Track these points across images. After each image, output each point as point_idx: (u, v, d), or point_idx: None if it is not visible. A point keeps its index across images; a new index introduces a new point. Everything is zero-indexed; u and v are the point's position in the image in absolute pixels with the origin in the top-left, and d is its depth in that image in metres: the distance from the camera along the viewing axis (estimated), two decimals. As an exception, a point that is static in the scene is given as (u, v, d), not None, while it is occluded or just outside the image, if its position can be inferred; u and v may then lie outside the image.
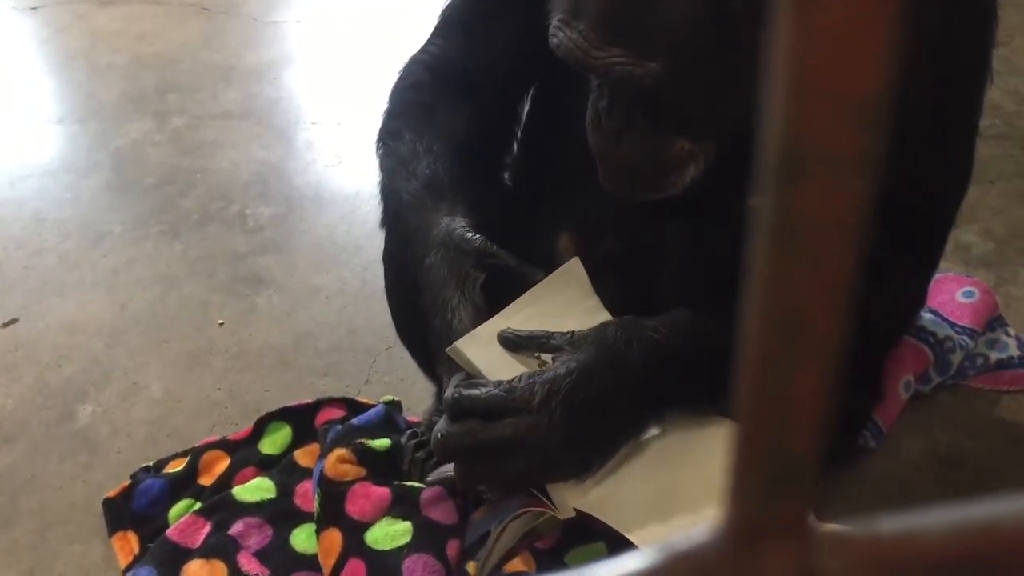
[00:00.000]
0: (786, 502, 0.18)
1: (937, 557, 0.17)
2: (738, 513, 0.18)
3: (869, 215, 0.16)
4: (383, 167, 1.14)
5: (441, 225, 1.03)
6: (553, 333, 0.99)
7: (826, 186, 0.16)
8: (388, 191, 1.11)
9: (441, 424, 0.94)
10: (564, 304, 1.05)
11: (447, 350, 0.98)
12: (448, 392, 0.95)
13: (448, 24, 1.18)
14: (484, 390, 0.93)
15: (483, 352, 0.99)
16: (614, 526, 0.99)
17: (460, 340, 0.98)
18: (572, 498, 0.99)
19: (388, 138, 1.15)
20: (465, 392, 0.93)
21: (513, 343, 1.00)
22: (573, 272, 1.08)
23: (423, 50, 1.20)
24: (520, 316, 1.02)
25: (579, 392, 0.92)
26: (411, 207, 1.07)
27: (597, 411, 0.94)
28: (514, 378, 0.94)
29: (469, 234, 1.02)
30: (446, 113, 1.14)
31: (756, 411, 0.17)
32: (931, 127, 0.98)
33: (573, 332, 0.98)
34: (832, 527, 0.17)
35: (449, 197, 1.06)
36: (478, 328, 1.00)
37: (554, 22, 0.91)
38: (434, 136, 1.11)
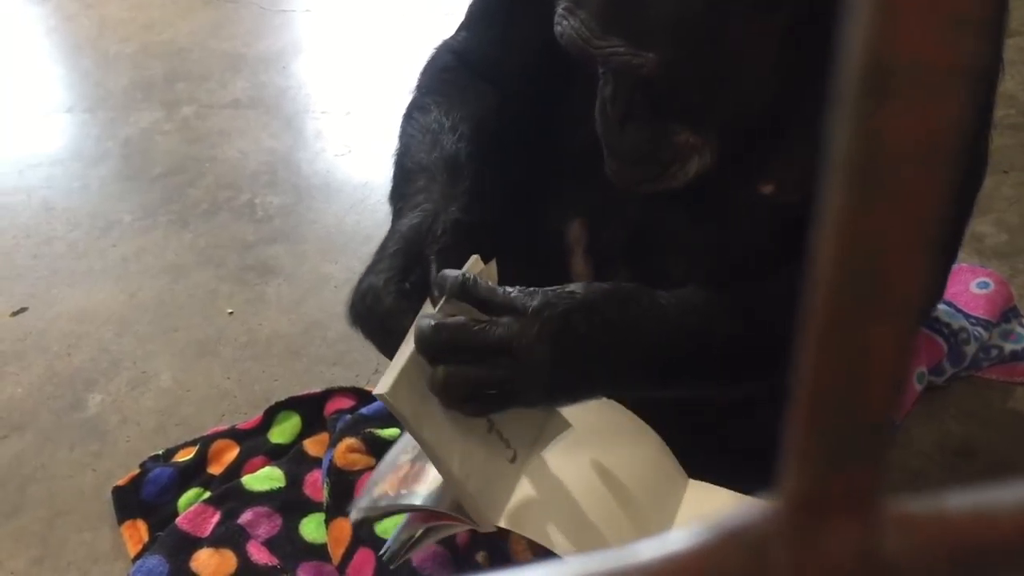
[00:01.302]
0: (853, 474, 0.16)
1: (1012, 537, 0.15)
2: (797, 486, 0.16)
3: (962, 144, 0.14)
4: (403, 136, 1.12)
5: (449, 211, 1.00)
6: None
7: (918, 106, 0.14)
8: (404, 157, 1.10)
9: (431, 312, 0.87)
10: None
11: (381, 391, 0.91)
12: (450, 280, 0.89)
13: (472, 18, 1.19)
14: (484, 287, 0.89)
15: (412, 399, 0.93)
16: (538, 541, 0.96)
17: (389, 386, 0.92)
18: (493, 514, 0.95)
19: (416, 112, 1.14)
20: (469, 285, 0.88)
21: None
22: None
23: (451, 39, 1.21)
24: None
25: (575, 316, 0.88)
26: (424, 171, 1.05)
27: (589, 342, 0.88)
28: (517, 288, 0.90)
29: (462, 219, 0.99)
30: (474, 96, 1.13)
31: (823, 369, 0.16)
32: None
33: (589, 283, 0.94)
34: (899, 504, 0.16)
35: (464, 176, 1.04)
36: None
37: (558, 11, 0.91)
38: (461, 116, 1.10)
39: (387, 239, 0.99)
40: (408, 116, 1.15)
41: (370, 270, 0.97)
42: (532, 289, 0.89)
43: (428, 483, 0.97)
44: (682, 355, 0.95)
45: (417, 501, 0.96)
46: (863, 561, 0.15)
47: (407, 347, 0.90)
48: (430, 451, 0.90)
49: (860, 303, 0.16)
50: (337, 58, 2.38)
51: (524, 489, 0.96)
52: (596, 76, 0.97)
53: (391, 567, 1.02)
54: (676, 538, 0.16)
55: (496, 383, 0.87)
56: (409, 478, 0.99)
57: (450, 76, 1.17)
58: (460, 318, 0.86)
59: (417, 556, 1.16)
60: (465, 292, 0.87)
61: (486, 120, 1.12)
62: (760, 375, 0.93)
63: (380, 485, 1.02)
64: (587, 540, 0.96)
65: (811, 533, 0.16)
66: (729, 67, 0.90)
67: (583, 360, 0.89)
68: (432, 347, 0.85)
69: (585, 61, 0.92)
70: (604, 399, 1.01)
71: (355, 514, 1.02)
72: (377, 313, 0.94)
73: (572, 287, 0.91)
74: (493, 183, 1.07)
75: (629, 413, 1.05)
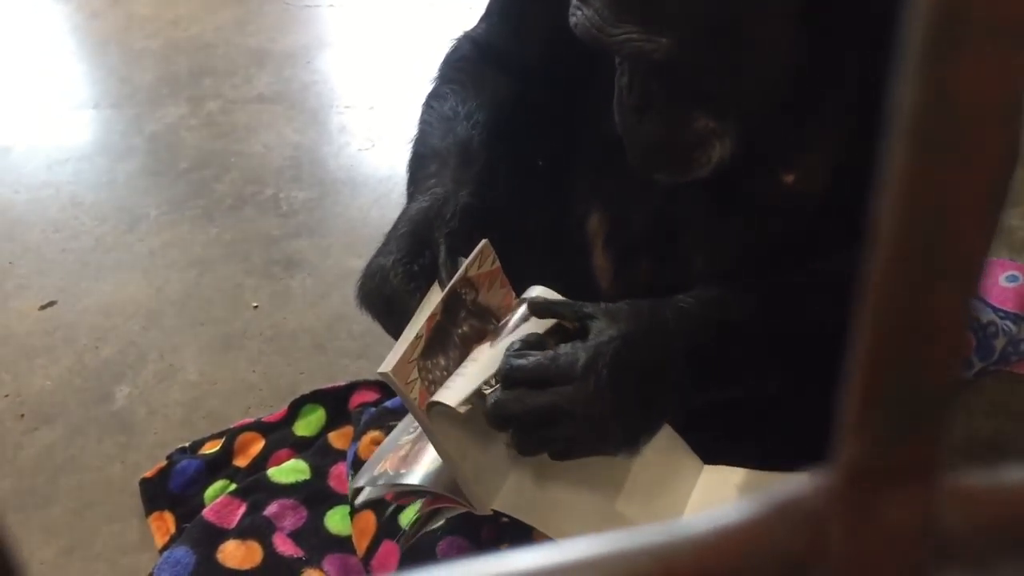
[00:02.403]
0: (915, 443, 0.15)
1: None
2: (854, 457, 0.16)
3: None
4: (420, 124, 1.14)
5: (460, 194, 1.01)
6: (583, 303, 0.95)
7: (989, 62, 0.13)
8: (419, 144, 1.11)
9: (494, 392, 0.90)
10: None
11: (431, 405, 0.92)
12: (501, 362, 0.91)
13: (490, 9, 1.20)
14: (531, 358, 0.90)
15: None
16: (533, 525, 0.97)
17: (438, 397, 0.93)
18: (488, 498, 0.94)
19: (433, 100, 1.15)
20: (515, 362, 0.90)
21: (543, 308, 0.96)
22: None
23: (471, 30, 1.22)
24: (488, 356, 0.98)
25: (622, 358, 0.89)
26: (436, 157, 1.06)
27: (641, 378, 0.90)
28: (559, 346, 0.91)
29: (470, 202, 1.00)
30: (490, 85, 1.14)
31: (885, 332, 0.15)
32: None
33: (603, 303, 0.95)
34: (957, 477, 0.16)
35: (476, 161, 1.05)
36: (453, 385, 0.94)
37: (572, 2, 0.91)
38: (476, 104, 1.11)
39: (397, 222, 1.01)
40: (426, 105, 1.16)
41: (379, 252, 0.98)
42: (567, 349, 0.90)
43: (426, 464, 0.98)
44: (719, 347, 0.95)
45: (414, 480, 0.97)
46: (922, 534, 0.15)
47: (412, 327, 0.92)
48: (430, 431, 0.92)
49: (925, 260, 0.15)
50: (361, 53, 2.38)
51: (521, 473, 0.97)
52: (614, 67, 0.97)
53: (402, 547, 1.04)
54: (728, 512, 0.16)
55: (567, 442, 0.90)
56: (408, 458, 1.00)
57: (467, 66, 1.18)
58: (517, 393, 0.89)
59: (441, 548, 1.17)
60: (513, 379, 0.89)
61: (502, 108, 1.12)
62: (808, 361, 0.94)
63: (381, 463, 1.03)
64: (583, 525, 0.96)
65: (868, 505, 0.16)
66: (743, 51, 0.90)
67: (645, 395, 0.91)
68: (498, 423, 0.89)
69: (600, 50, 0.92)
70: None
71: (353, 483, 1.04)
72: (384, 294, 0.95)
73: (599, 329, 0.91)
74: (507, 169, 1.08)
75: None
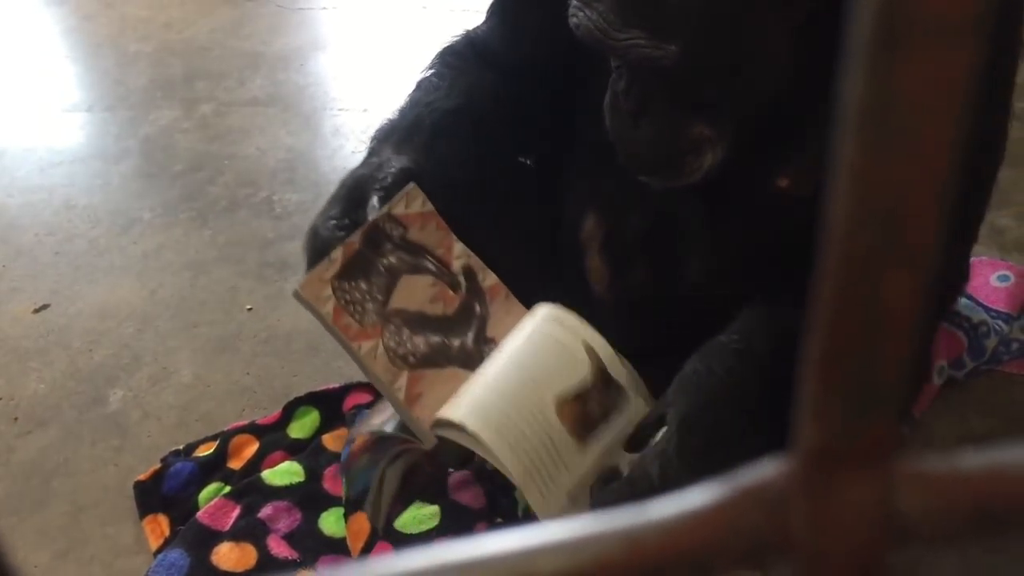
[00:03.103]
0: (870, 428, 0.16)
1: None
2: (812, 440, 0.16)
3: (973, 96, 0.14)
4: (393, 111, 1.17)
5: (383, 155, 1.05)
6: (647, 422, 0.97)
7: (932, 57, 0.14)
8: (379, 128, 1.15)
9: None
10: (551, 346, 1.02)
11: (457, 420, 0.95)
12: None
13: (490, 13, 1.21)
14: (612, 495, 0.92)
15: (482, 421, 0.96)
16: (475, 444, 0.97)
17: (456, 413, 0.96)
18: (430, 426, 0.96)
19: (413, 90, 1.18)
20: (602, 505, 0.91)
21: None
22: (545, 315, 1.05)
23: (472, 29, 1.23)
24: (499, 368, 1.00)
25: (686, 440, 0.90)
26: (387, 138, 1.10)
27: (710, 445, 0.91)
28: (630, 469, 0.93)
29: (393, 167, 1.02)
30: (471, 79, 1.15)
31: (838, 320, 0.15)
32: None
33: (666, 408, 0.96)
34: (914, 460, 0.16)
35: (422, 133, 1.08)
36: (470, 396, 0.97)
37: (573, 3, 0.90)
38: (445, 94, 1.13)
39: (336, 189, 1.05)
40: (408, 94, 1.19)
41: (318, 215, 1.04)
42: (639, 461, 0.91)
43: (382, 415, 1.01)
44: (767, 381, 0.95)
45: (366, 429, 1.00)
46: (879, 516, 0.15)
47: (329, 258, 0.95)
48: (354, 354, 0.95)
49: (875, 251, 0.15)
50: (355, 55, 2.38)
51: (459, 395, 0.98)
52: (610, 71, 0.97)
53: (379, 527, 1.05)
54: (692, 496, 0.16)
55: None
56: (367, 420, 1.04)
57: (455, 60, 1.19)
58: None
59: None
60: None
61: (477, 99, 1.13)
62: None
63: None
64: (493, 416, 0.96)
65: (827, 488, 0.16)
66: (747, 59, 0.90)
67: (721, 461, 0.92)
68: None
69: (602, 54, 0.92)
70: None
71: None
72: (315, 246, 1.01)
73: (662, 432, 0.92)
74: (461, 147, 1.09)
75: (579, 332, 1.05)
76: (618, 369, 0.99)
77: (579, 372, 0.98)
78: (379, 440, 1.00)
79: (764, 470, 0.16)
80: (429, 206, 1.02)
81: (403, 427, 0.97)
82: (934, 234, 0.15)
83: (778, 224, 1.04)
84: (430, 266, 1.02)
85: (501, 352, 1.02)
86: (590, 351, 1.00)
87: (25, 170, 2.02)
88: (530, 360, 1.00)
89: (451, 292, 1.04)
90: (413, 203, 1.00)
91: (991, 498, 0.15)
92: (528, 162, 1.24)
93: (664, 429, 0.93)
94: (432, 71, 1.19)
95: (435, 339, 1.02)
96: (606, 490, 0.92)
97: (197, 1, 2.61)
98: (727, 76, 0.90)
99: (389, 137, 1.11)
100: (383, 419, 1.01)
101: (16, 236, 1.84)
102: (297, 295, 0.92)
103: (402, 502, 1.08)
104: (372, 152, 1.10)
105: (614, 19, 0.87)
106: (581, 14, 0.89)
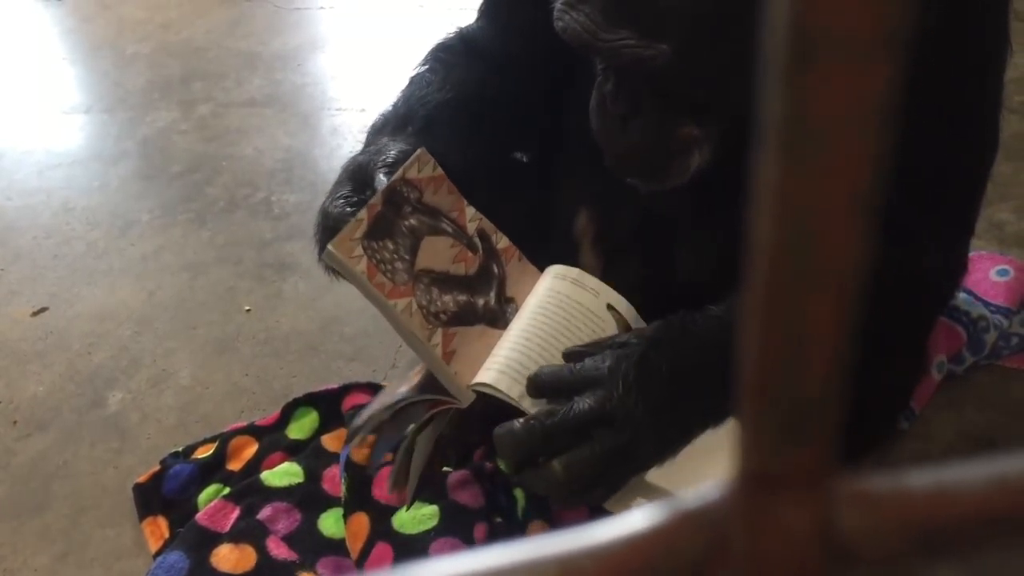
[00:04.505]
0: (802, 451, 0.16)
1: (974, 515, 0.15)
2: (749, 465, 0.16)
3: (893, 113, 0.14)
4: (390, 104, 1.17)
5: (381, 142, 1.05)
6: (615, 335, 0.95)
7: (843, 76, 0.14)
8: (374, 127, 1.14)
9: (505, 425, 0.88)
10: (574, 308, 1.01)
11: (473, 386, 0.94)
12: (532, 383, 0.91)
13: (481, 11, 1.21)
14: (549, 370, 0.89)
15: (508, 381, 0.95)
16: (509, 399, 0.95)
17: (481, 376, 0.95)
18: (469, 379, 0.95)
19: (406, 86, 1.18)
20: (543, 373, 0.89)
21: (576, 354, 0.95)
22: (563, 276, 1.04)
23: (465, 26, 1.23)
24: (520, 331, 0.99)
25: (651, 357, 0.87)
26: (380, 132, 1.10)
27: (670, 380, 0.88)
28: (584, 359, 0.91)
29: (393, 150, 1.02)
30: (461, 74, 1.15)
31: (764, 346, 0.15)
32: (951, 92, 0.95)
33: (631, 331, 0.95)
34: (855, 480, 0.16)
35: (414, 122, 1.08)
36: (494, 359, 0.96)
37: (558, 4, 0.89)
38: (437, 88, 1.13)
39: (337, 178, 1.05)
40: (401, 90, 1.19)
41: (325, 200, 1.02)
42: (593, 355, 0.89)
43: (409, 384, 1.00)
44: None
45: (400, 394, 0.99)
46: (818, 539, 0.15)
47: (356, 218, 0.94)
48: (388, 311, 0.94)
49: (796, 273, 0.15)
50: (352, 55, 2.38)
51: (496, 352, 0.98)
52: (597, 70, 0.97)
53: (409, 496, 1.03)
54: (631, 520, 0.16)
55: (609, 455, 0.86)
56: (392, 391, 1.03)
57: (446, 55, 1.19)
58: (547, 408, 0.87)
59: (434, 548, 1.17)
60: (537, 388, 0.88)
61: (467, 93, 1.13)
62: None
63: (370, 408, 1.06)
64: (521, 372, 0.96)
65: (766, 511, 0.16)
66: (738, 58, 0.89)
67: (676, 395, 0.89)
68: (530, 448, 0.86)
69: (588, 55, 0.91)
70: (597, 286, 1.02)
71: (352, 429, 1.06)
72: (327, 225, 0.99)
73: (626, 338, 0.91)
74: (454, 139, 1.09)
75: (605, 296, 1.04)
76: (642, 327, 0.99)
77: (606, 333, 0.98)
78: (403, 409, 0.99)
79: (706, 494, 0.16)
80: (439, 170, 1.01)
81: (439, 390, 0.96)
82: (854, 258, 0.15)
83: None
84: (448, 228, 1.02)
85: (524, 314, 1.02)
86: (613, 311, 1.00)
87: (23, 172, 2.03)
88: (555, 322, 0.99)
89: (470, 253, 1.04)
90: (424, 167, 1.00)
91: (934, 518, 0.15)
92: (522, 157, 1.24)
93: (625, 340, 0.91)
94: (425, 66, 1.19)
95: (462, 298, 1.02)
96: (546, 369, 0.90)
97: (194, 2, 2.61)
98: (718, 76, 0.89)
99: (382, 129, 1.11)
100: (404, 390, 1.00)
101: (14, 239, 1.84)
102: (329, 254, 0.91)
103: (431, 472, 1.07)
104: (368, 144, 1.10)
105: (602, 20, 0.85)
106: (568, 17, 0.87)
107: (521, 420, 0.87)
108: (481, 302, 1.03)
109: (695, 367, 0.90)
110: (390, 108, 1.15)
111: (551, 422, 0.86)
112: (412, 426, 0.99)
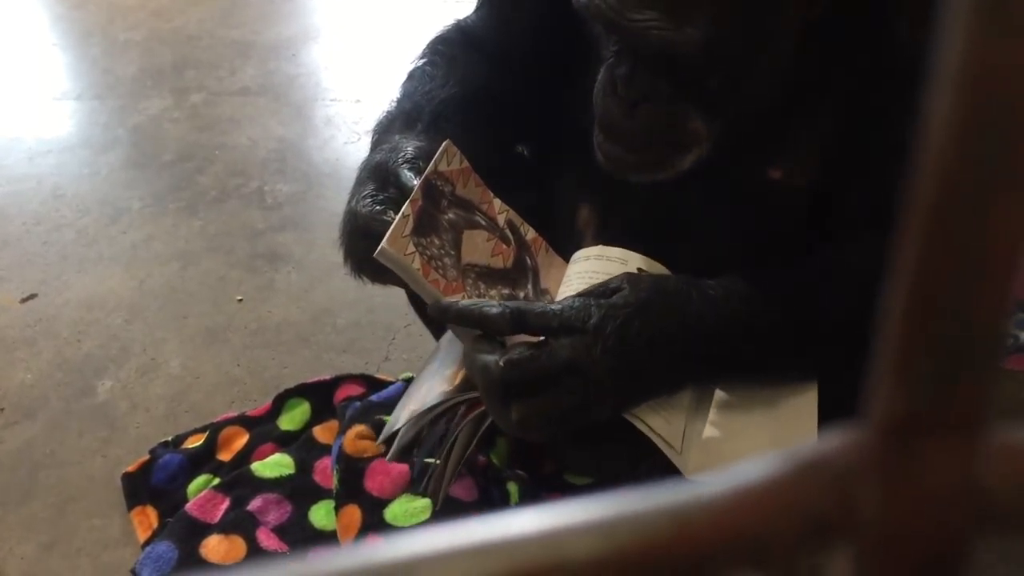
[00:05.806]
0: (959, 393, 0.13)
1: None
2: (891, 407, 0.14)
3: None
4: (391, 102, 1.15)
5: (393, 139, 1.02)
6: (610, 279, 0.94)
7: None
8: (379, 126, 1.12)
9: (492, 355, 0.87)
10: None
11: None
12: (502, 317, 0.89)
13: (480, 2, 1.19)
14: (539, 308, 0.88)
15: None
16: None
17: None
18: None
19: (406, 80, 1.16)
20: (523, 308, 0.88)
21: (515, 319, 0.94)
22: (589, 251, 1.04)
23: (463, 18, 1.21)
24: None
25: (635, 323, 0.87)
26: (387, 131, 1.07)
27: (650, 348, 0.88)
28: (567, 299, 0.90)
29: (410, 146, 1.00)
30: (462, 68, 1.14)
31: (931, 261, 0.13)
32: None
33: (628, 274, 0.93)
34: (1007, 432, 0.14)
35: (422, 119, 1.06)
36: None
37: None
38: (440, 84, 1.11)
39: (356, 176, 1.02)
40: (401, 84, 1.17)
41: (346, 204, 0.99)
42: (580, 303, 0.88)
43: (450, 383, 0.98)
44: (738, 343, 0.93)
45: (441, 393, 0.97)
46: (963, 495, 0.14)
47: (402, 214, 0.92)
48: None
49: (982, 170, 0.13)
50: (347, 45, 2.36)
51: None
52: (605, 56, 0.95)
53: (440, 499, 1.01)
54: (749, 470, 0.14)
55: (568, 407, 0.87)
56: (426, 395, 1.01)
57: (447, 48, 1.17)
58: (524, 350, 0.86)
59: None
60: (519, 325, 0.87)
61: (469, 88, 1.11)
62: (829, 354, 0.93)
63: (405, 408, 1.03)
64: None
65: (905, 462, 0.14)
66: (760, 49, 0.88)
67: (647, 366, 0.89)
68: (504, 386, 0.85)
69: (611, 34, 0.90)
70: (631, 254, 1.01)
71: (386, 430, 1.03)
72: (356, 225, 0.95)
73: (618, 284, 0.90)
74: (460, 135, 1.07)
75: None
76: (646, 275, 0.98)
77: None
78: (440, 412, 0.97)
79: (830, 442, 0.14)
80: (466, 163, 1.00)
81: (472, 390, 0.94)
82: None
83: (771, 214, 1.03)
84: (481, 221, 1.01)
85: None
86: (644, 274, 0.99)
87: (13, 159, 2.00)
88: None
89: (504, 246, 1.03)
90: (453, 160, 0.98)
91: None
92: (523, 150, 1.23)
93: (620, 293, 0.91)
94: (424, 60, 1.18)
95: (505, 291, 1.00)
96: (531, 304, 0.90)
97: (187, -11, 2.59)
98: (737, 66, 0.88)
99: (390, 127, 1.08)
100: (443, 390, 0.98)
101: (3, 225, 1.82)
102: (383, 252, 0.87)
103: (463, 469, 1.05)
104: (377, 143, 1.08)
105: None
106: None
107: (501, 358, 0.86)
108: (522, 294, 1.02)
109: (670, 340, 0.90)
110: (394, 105, 1.13)
111: (530, 365, 0.86)
112: (459, 429, 0.98)
